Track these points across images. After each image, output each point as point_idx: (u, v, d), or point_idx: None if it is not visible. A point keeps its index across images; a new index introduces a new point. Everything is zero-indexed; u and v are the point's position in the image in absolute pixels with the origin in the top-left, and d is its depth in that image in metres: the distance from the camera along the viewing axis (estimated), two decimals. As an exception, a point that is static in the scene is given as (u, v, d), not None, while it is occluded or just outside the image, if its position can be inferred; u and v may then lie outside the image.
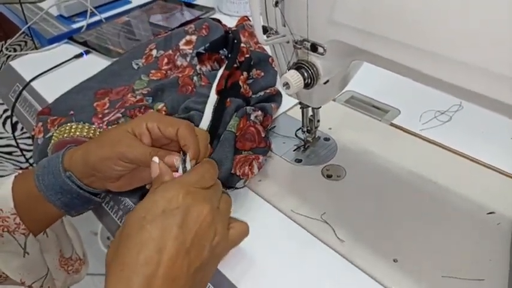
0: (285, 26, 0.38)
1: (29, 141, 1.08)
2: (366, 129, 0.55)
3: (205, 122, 0.52)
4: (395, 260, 0.39)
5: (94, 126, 0.53)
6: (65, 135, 0.49)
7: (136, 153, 0.38)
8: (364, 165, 0.50)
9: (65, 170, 0.41)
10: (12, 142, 1.15)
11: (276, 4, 0.37)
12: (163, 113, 0.54)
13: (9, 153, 1.18)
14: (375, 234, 0.42)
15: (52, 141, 0.50)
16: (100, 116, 0.55)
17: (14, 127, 1.11)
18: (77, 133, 0.49)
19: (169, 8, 0.98)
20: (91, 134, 0.51)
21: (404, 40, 0.29)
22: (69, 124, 0.52)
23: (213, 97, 0.55)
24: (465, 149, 0.50)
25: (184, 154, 0.38)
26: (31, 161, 0.78)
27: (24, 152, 0.88)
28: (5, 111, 1.17)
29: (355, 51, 0.34)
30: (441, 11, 0.26)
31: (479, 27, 0.25)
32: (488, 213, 0.42)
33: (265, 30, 0.40)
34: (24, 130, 1.09)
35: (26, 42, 1.25)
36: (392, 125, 0.55)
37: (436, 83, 0.30)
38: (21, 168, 1.20)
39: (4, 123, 1.17)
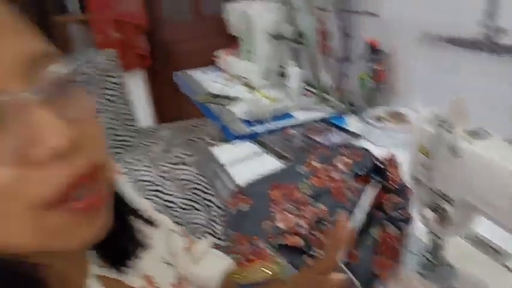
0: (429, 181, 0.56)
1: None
2: (483, 266, 0.66)
3: (355, 221, 0.70)
4: None
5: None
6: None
7: None
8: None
9: None
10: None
11: (423, 166, 0.56)
12: (324, 213, 0.75)
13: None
14: None
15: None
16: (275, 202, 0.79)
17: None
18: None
19: (323, 128, 1.25)
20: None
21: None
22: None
23: (364, 204, 0.73)
24: None
25: None
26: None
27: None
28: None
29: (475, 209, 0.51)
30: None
31: None
32: None
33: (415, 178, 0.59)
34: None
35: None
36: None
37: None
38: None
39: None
